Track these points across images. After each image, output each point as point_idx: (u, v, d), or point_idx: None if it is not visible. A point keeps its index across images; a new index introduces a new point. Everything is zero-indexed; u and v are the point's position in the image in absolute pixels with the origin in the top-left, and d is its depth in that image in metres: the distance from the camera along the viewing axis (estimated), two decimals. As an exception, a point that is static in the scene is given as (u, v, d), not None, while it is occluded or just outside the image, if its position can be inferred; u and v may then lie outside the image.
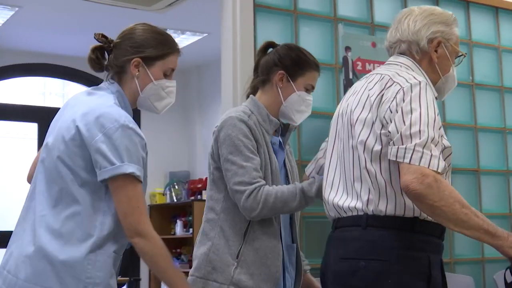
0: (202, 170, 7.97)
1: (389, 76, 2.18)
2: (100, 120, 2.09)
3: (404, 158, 1.99)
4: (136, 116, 6.28)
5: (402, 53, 2.33)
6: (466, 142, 3.93)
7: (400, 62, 2.31)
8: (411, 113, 2.04)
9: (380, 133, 2.12)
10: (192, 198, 7.52)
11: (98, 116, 2.09)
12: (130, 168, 2.05)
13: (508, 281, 2.21)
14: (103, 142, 2.06)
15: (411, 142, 2.00)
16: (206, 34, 6.95)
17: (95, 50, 2.27)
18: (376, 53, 3.60)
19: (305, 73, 2.61)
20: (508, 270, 2.19)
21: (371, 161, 2.14)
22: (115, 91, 2.24)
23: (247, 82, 2.70)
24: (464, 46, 3.96)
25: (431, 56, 2.33)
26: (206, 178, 7.45)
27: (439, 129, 2.10)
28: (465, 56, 2.47)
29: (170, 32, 7.24)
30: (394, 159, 2.03)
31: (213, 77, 7.07)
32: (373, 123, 2.14)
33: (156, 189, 7.99)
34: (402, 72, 2.20)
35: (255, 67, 2.64)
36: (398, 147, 2.01)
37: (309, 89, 2.65)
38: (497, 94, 4.08)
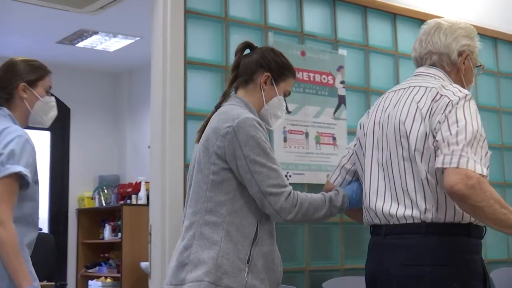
0: (132, 174, 7.91)
1: (436, 89, 2.31)
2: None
3: (450, 163, 2.14)
4: (66, 120, 6.19)
5: (432, 65, 2.48)
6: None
7: (432, 74, 2.45)
8: (457, 123, 2.20)
9: (434, 146, 2.25)
10: (122, 202, 7.45)
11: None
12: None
13: None
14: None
15: (454, 148, 2.15)
16: (138, 38, 6.92)
17: None
18: (305, 62, 3.67)
19: (286, 79, 2.65)
20: None
21: (429, 174, 2.26)
22: (6, 114, 2.73)
23: (228, 79, 2.64)
24: (361, 51, 4.03)
25: (459, 68, 2.50)
26: (136, 182, 7.44)
27: (484, 140, 2.23)
28: (484, 68, 2.64)
29: (101, 35, 7.17)
30: (441, 166, 2.17)
31: (145, 81, 7.00)
32: (426, 135, 2.26)
33: (85, 193, 7.90)
34: (447, 85, 2.34)
35: (236, 66, 2.60)
36: (444, 155, 2.16)
37: (286, 94, 2.68)
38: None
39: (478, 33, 3.91)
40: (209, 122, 2.52)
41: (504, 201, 2.20)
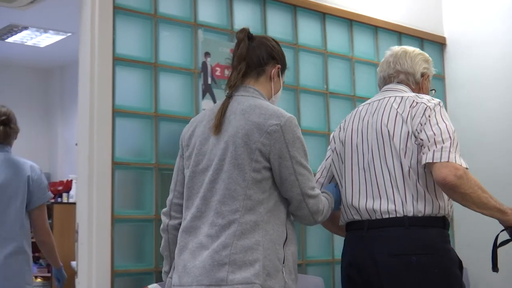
0: (63, 172, 7.80)
1: (412, 97, 2.66)
2: None
3: (441, 158, 2.44)
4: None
5: (399, 82, 2.84)
6: (321, 148, 4.08)
7: (401, 89, 2.80)
8: (438, 124, 2.53)
9: (416, 144, 2.55)
10: (52, 200, 7.32)
11: None
12: None
13: (503, 239, 2.67)
14: None
15: (441, 145, 2.47)
16: (70, 34, 6.84)
17: None
18: (235, 59, 3.68)
19: (285, 71, 2.67)
20: (505, 231, 2.64)
21: (411, 169, 2.54)
22: None
23: (235, 71, 2.55)
24: (319, 56, 4.13)
25: (422, 87, 2.88)
26: (67, 180, 7.34)
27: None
28: (434, 92, 3.02)
29: (32, 30, 7.02)
30: (431, 161, 2.45)
31: (77, 77, 6.94)
32: (409, 135, 2.56)
33: (14, 191, 7.73)
34: (420, 95, 2.71)
35: (244, 56, 2.50)
36: (433, 151, 2.46)
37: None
38: (350, 103, 4.26)
39: (404, 33, 4.14)
40: (236, 115, 2.39)
41: (483, 186, 2.53)
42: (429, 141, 2.49)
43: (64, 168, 7.82)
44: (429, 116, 2.56)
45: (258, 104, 2.40)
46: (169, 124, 3.45)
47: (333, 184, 2.89)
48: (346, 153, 2.77)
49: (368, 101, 2.85)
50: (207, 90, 3.56)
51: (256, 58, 2.50)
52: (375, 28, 4.48)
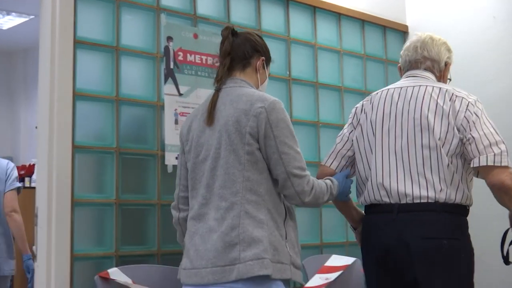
0: (26, 155, 7.72)
1: (450, 90, 2.76)
2: None
3: (501, 162, 2.59)
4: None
5: (426, 69, 2.92)
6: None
7: (428, 77, 2.90)
8: (486, 124, 2.67)
9: (459, 138, 2.67)
10: (15, 184, 7.23)
11: None
12: None
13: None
14: None
15: (498, 148, 2.62)
16: (32, 16, 6.75)
17: None
18: (198, 44, 3.68)
19: (270, 63, 2.82)
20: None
21: (451, 160, 2.66)
22: None
23: (221, 66, 2.69)
24: (282, 42, 4.15)
25: (444, 75, 2.99)
26: (29, 165, 7.27)
27: None
28: (450, 80, 3.06)
29: (-6, 12, 6.90)
30: (492, 164, 2.59)
31: (40, 61, 6.88)
32: (453, 129, 2.66)
33: (-24, 175, 7.63)
34: (456, 88, 2.80)
35: (228, 51, 2.65)
36: (493, 155, 2.60)
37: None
38: (312, 89, 4.29)
39: (367, 21, 4.18)
40: (226, 105, 2.55)
41: None
42: (483, 141, 2.63)
43: (27, 152, 7.75)
44: (475, 113, 2.69)
45: (245, 92, 2.55)
46: (131, 108, 3.44)
47: (344, 174, 2.94)
48: (376, 135, 2.82)
49: (399, 85, 2.90)
50: (170, 74, 3.55)
51: (241, 52, 2.66)
52: (339, 15, 4.51)
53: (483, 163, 2.63)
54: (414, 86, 2.83)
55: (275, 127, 2.47)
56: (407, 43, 3.04)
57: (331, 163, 3.00)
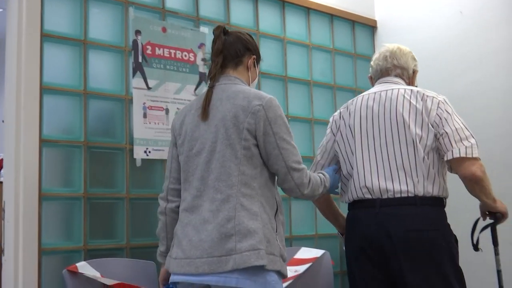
0: (-6, 151, 7.64)
1: (421, 91, 2.94)
2: None
3: (472, 154, 2.77)
4: None
5: (396, 75, 3.12)
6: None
7: (400, 82, 3.09)
8: (457, 120, 2.85)
9: (434, 133, 2.83)
10: (-17, 180, 7.17)
11: None
12: None
13: (482, 226, 3.10)
14: None
15: (468, 142, 2.79)
16: (1, 10, 6.68)
17: None
18: (167, 38, 3.68)
19: (260, 62, 2.90)
20: (481, 219, 3.10)
21: (427, 154, 2.82)
22: None
23: (213, 64, 2.73)
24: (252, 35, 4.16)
25: (412, 82, 3.19)
26: (-2, 160, 7.14)
27: None
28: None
29: (-40, 5, 6.77)
30: (464, 155, 2.76)
31: (8, 55, 6.81)
32: (427, 126, 2.84)
33: None
34: (425, 90, 2.97)
35: (221, 50, 2.71)
36: (465, 147, 2.78)
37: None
38: (281, 83, 4.31)
39: (336, 16, 4.23)
40: (222, 101, 2.61)
41: None
42: (455, 136, 2.81)
43: (-5, 147, 7.67)
44: (446, 111, 2.87)
45: (240, 89, 2.62)
46: (99, 102, 3.44)
47: (333, 168, 3.07)
48: (355, 137, 2.98)
49: (372, 91, 3.07)
50: (138, 68, 3.55)
51: (233, 50, 2.73)
52: (307, 9, 4.53)
53: (456, 155, 2.79)
54: (387, 90, 3.00)
55: (274, 124, 2.56)
56: (376, 54, 3.21)
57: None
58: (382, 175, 2.86)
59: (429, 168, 2.84)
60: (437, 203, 2.87)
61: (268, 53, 4.25)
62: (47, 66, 3.26)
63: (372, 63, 3.22)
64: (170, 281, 2.66)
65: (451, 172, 2.93)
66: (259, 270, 2.45)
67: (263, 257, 2.44)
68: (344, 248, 3.10)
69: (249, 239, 2.45)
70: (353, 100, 3.12)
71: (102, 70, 3.48)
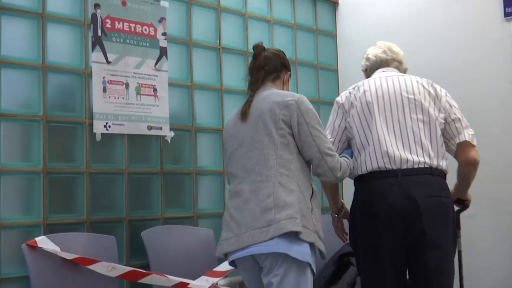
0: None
1: (427, 80, 3.21)
2: None
3: (474, 141, 3.11)
4: None
5: (395, 68, 3.35)
6: (213, 102, 4.14)
7: (400, 73, 3.32)
8: (457, 109, 3.16)
9: (443, 117, 3.12)
10: None
11: None
12: None
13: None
14: None
15: (471, 130, 3.12)
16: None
17: None
18: (126, 12, 3.66)
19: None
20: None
21: (438, 133, 3.09)
22: None
23: (254, 77, 2.99)
24: (212, 11, 4.16)
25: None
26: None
27: None
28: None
29: None
30: (470, 141, 3.10)
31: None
32: (438, 109, 3.12)
33: None
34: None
35: (262, 65, 2.99)
36: (470, 135, 3.11)
37: None
38: (243, 58, 4.32)
39: None
40: (260, 102, 2.87)
41: None
42: (462, 123, 3.13)
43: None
44: (452, 100, 3.19)
45: (275, 91, 2.93)
46: (58, 75, 3.41)
47: (350, 152, 3.22)
48: (373, 113, 3.13)
49: (382, 75, 3.26)
50: (97, 42, 3.52)
51: (273, 66, 3.02)
52: (269, -15, 4.54)
53: (468, 138, 3.12)
54: (398, 76, 3.24)
55: (306, 115, 2.81)
56: (372, 49, 3.44)
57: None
58: (401, 147, 3.06)
59: (442, 146, 3.11)
60: (444, 175, 3.11)
61: (229, 28, 4.25)
62: (5, 40, 3.23)
63: (369, 56, 3.42)
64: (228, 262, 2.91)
65: (453, 155, 3.18)
66: (296, 238, 2.67)
67: (298, 224, 2.67)
68: (350, 220, 3.19)
69: (287, 210, 2.69)
70: (363, 82, 3.27)
71: (61, 44, 3.45)
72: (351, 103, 3.23)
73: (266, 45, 4.26)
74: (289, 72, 3.12)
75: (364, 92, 3.21)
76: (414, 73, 3.26)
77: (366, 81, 3.28)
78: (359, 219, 3.11)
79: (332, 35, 4.99)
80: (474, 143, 3.14)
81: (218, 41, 4.18)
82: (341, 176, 2.89)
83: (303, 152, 2.83)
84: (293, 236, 2.66)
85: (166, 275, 3.38)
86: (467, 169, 3.15)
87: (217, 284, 3.60)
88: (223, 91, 4.18)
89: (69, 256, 3.14)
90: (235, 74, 4.27)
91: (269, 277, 2.70)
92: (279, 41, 4.56)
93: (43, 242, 3.12)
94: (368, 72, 3.42)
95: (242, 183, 2.83)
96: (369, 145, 3.11)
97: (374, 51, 3.43)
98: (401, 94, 3.16)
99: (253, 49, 3.06)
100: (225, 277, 3.74)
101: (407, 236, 2.98)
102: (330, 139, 3.21)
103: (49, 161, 3.32)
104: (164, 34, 3.83)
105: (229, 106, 4.19)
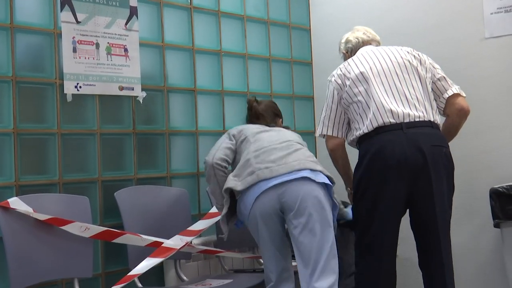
0: None
1: (408, 48, 3.49)
2: None
3: (463, 94, 3.41)
4: None
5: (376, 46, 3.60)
6: (184, 62, 4.12)
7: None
8: (440, 69, 3.47)
9: (430, 75, 3.41)
10: None
11: None
12: None
13: None
14: None
15: (457, 85, 3.43)
16: None
17: None
18: (96, -29, 3.61)
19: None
20: None
21: (429, 91, 3.35)
22: None
23: (256, 121, 3.59)
24: (184, 11, 4.14)
25: None
26: None
27: None
28: None
29: None
30: (459, 92, 3.40)
31: None
32: (425, 70, 3.39)
33: None
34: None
35: (259, 114, 3.61)
36: (458, 88, 3.41)
37: None
38: (215, 18, 4.31)
39: None
40: (271, 133, 3.38)
41: None
42: (447, 80, 3.42)
43: None
44: (433, 61, 3.46)
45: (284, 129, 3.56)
46: (27, 36, 3.37)
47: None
48: (369, 79, 3.33)
49: (366, 50, 3.51)
50: (66, 1, 3.48)
51: (268, 115, 3.61)
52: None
53: (455, 91, 3.40)
54: (383, 47, 3.52)
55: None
56: (351, 34, 3.68)
57: (338, 133, 3.49)
58: (401, 104, 3.26)
59: (433, 101, 3.36)
60: (439, 127, 3.35)
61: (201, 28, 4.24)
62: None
63: (350, 38, 3.65)
64: None
65: (443, 114, 3.43)
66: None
67: None
68: (357, 178, 3.31)
69: None
70: (352, 59, 3.47)
71: (29, 4, 3.40)
72: (344, 75, 3.41)
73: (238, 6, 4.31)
74: (281, 119, 3.67)
75: (356, 64, 3.40)
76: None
77: (354, 57, 3.49)
78: (365, 169, 3.25)
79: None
80: (464, 94, 3.39)
81: (189, 1, 4.15)
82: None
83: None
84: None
85: (140, 235, 3.40)
86: (459, 118, 3.41)
87: (191, 243, 3.63)
88: (195, 51, 4.16)
89: (42, 217, 3.14)
90: (207, 33, 4.25)
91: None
92: (252, 2, 4.54)
93: (16, 203, 3.11)
94: (350, 53, 3.64)
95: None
96: (370, 108, 3.27)
97: (354, 34, 3.67)
98: (390, 59, 3.38)
99: (247, 103, 3.62)
100: (200, 236, 3.77)
101: (413, 185, 3.18)
102: (329, 125, 3.48)
103: (20, 122, 3.30)
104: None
105: (201, 66, 4.18)
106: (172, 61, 4.04)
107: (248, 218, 3.13)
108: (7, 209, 3.07)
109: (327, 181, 3.14)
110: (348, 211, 3.56)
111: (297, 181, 3.06)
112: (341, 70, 3.46)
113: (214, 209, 3.77)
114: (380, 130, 3.24)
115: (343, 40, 3.71)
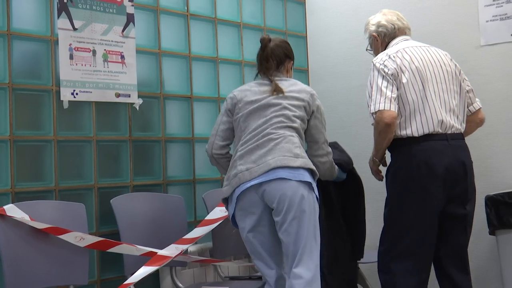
0: None
1: (447, 53, 3.53)
2: None
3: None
4: None
5: (409, 36, 3.59)
6: (181, 69, 4.12)
7: (427, 44, 3.55)
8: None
9: (464, 88, 3.51)
10: None
11: None
12: None
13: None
14: None
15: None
16: None
17: None
18: (93, -22, 3.62)
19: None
20: None
21: (463, 100, 3.46)
22: None
23: (266, 64, 3.35)
24: (181, 18, 4.14)
25: None
26: None
27: None
28: None
29: None
30: (481, 106, 3.55)
31: None
32: (462, 80, 3.47)
33: None
34: None
35: (270, 55, 3.36)
36: (479, 100, 3.55)
37: None
38: (211, 25, 4.31)
39: None
40: (282, 85, 3.29)
41: None
42: (474, 93, 3.53)
43: None
44: (462, 71, 3.51)
45: (296, 82, 3.37)
46: (24, 43, 3.37)
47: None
48: (425, 80, 3.35)
49: (417, 45, 3.47)
50: (63, 8, 3.48)
51: (277, 56, 3.38)
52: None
53: (481, 105, 3.54)
54: (430, 47, 3.49)
55: (317, 112, 3.32)
56: (383, 16, 3.57)
57: (391, 107, 3.32)
58: (448, 115, 3.35)
59: (466, 112, 3.48)
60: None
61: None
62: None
63: (384, 23, 3.54)
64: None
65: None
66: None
67: None
68: (396, 175, 3.40)
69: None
70: (404, 49, 3.41)
71: (26, 11, 3.40)
72: (400, 68, 3.35)
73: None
74: (292, 61, 3.47)
75: (411, 58, 3.38)
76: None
77: (407, 49, 3.42)
78: (410, 174, 3.31)
79: (300, 2, 4.99)
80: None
81: (186, 8, 4.15)
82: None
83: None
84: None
85: (135, 245, 3.40)
86: (477, 126, 3.61)
87: (187, 251, 3.63)
88: (191, 58, 4.17)
89: (40, 225, 3.13)
90: (203, 41, 4.26)
91: None
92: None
93: (12, 210, 3.10)
94: (383, 38, 3.56)
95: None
96: (424, 110, 3.31)
97: (387, 18, 3.57)
98: (440, 65, 3.42)
99: (260, 42, 3.37)
100: (195, 243, 3.77)
101: (450, 193, 3.31)
102: (388, 92, 3.32)
103: (16, 129, 3.29)
104: (131, 0, 3.79)
105: (198, 73, 4.18)
106: (168, 68, 4.04)
107: (235, 216, 3.17)
108: (3, 216, 3.06)
109: (307, 179, 3.10)
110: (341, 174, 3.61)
111: (275, 181, 3.07)
112: (393, 61, 3.36)
113: (210, 216, 3.77)
114: (428, 138, 3.31)
115: (373, 22, 3.59)
